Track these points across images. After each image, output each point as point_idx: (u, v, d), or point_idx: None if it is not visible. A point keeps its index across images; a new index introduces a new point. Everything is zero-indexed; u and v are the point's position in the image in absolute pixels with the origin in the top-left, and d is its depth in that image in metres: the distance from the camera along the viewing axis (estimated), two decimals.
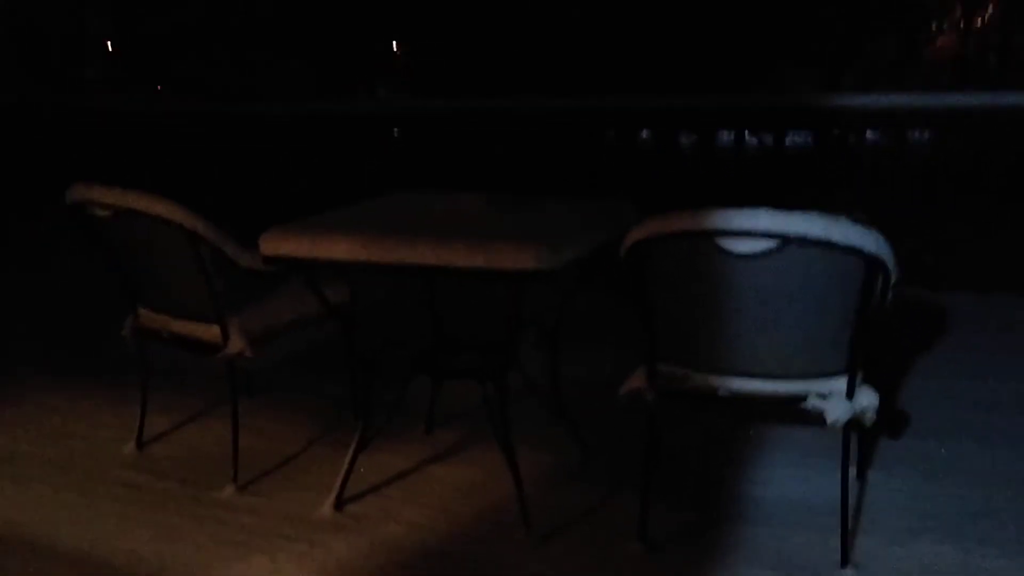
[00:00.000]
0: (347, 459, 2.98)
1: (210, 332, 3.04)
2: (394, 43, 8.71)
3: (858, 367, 2.47)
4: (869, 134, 5.15)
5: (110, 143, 6.54)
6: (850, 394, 2.47)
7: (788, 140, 5.29)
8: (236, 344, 3.01)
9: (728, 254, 2.30)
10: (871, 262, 2.28)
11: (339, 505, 2.94)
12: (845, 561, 2.54)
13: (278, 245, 2.74)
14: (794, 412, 2.51)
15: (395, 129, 6.12)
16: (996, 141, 4.89)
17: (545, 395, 3.21)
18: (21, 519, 2.95)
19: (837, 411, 2.45)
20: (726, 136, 5.41)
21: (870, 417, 2.50)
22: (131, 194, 2.93)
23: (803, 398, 2.50)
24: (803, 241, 2.23)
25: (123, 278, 3.21)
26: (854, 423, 2.50)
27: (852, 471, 2.79)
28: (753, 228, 2.25)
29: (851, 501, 2.66)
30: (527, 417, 3.21)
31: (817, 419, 2.49)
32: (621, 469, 3.07)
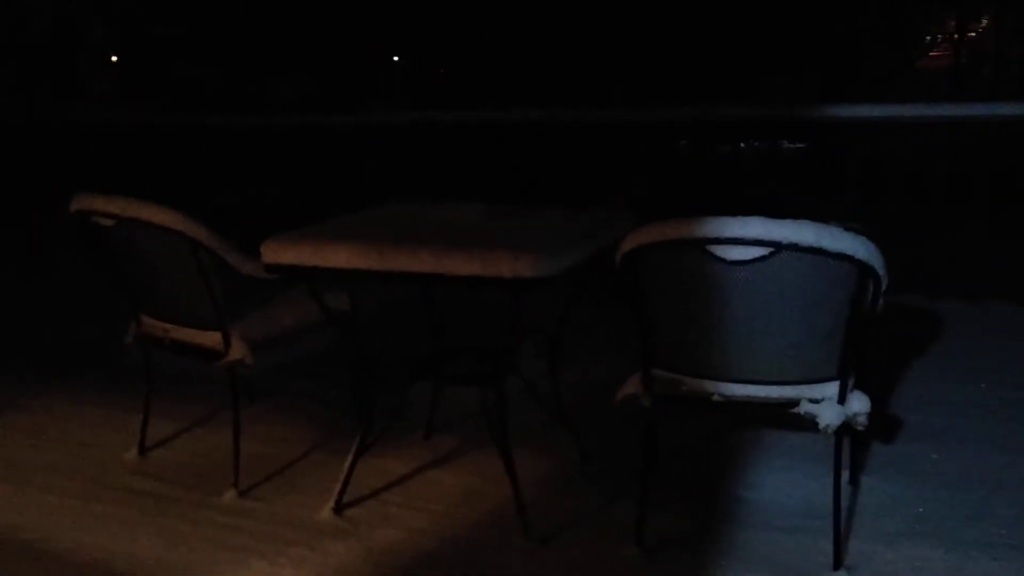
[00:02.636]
0: (347, 464, 3.01)
1: (212, 339, 3.08)
2: (395, 57, 8.79)
3: (850, 372, 2.51)
4: (863, 144, 5.20)
5: (114, 154, 6.58)
6: (842, 399, 2.51)
7: (783, 150, 5.34)
8: (238, 351, 3.05)
9: (721, 261, 2.35)
10: (862, 269, 2.32)
11: (339, 510, 2.97)
12: (837, 564, 2.58)
13: (279, 253, 2.79)
14: (787, 417, 2.55)
15: (394, 140, 6.16)
16: (989, 151, 4.93)
17: (544, 400, 3.25)
18: (23, 523, 2.98)
19: (829, 416, 2.49)
20: (723, 146, 5.46)
21: (862, 421, 2.54)
22: (134, 203, 2.97)
23: (796, 403, 2.54)
24: (795, 248, 2.28)
25: (126, 286, 3.25)
26: (846, 427, 2.54)
27: (844, 475, 2.83)
28: (746, 236, 2.30)
29: (843, 505, 2.69)
30: (526, 422, 3.25)
31: (810, 424, 2.53)
32: (618, 473, 3.11)
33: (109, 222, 3.03)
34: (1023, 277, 4.84)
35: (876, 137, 5.17)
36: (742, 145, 5.51)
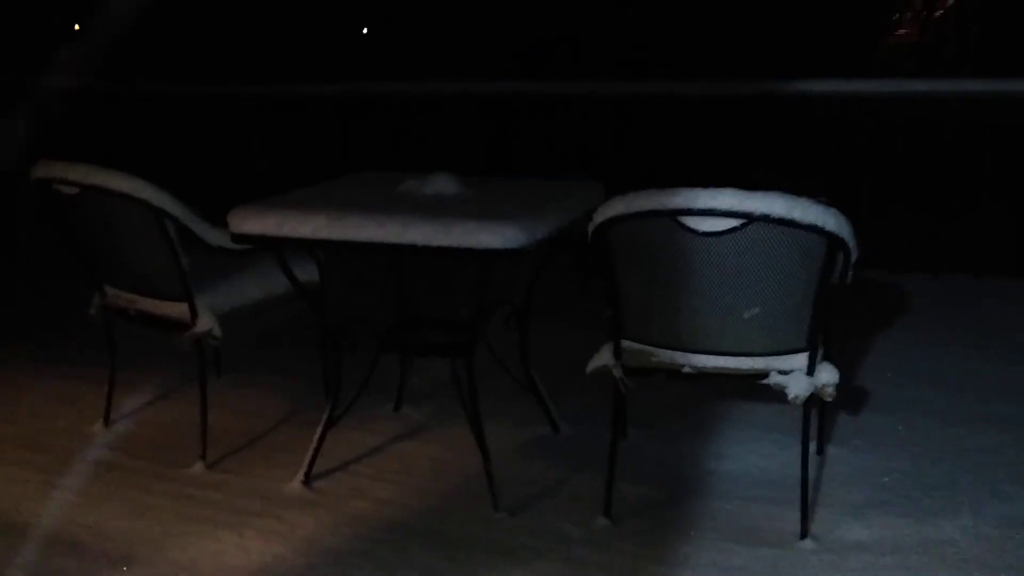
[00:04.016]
0: (316, 436, 3.00)
1: (178, 310, 3.04)
2: (364, 29, 8.68)
3: (819, 344, 2.54)
4: (831, 119, 5.22)
5: (80, 124, 6.46)
6: (811, 370, 2.53)
7: (753, 125, 5.35)
8: (204, 322, 3.01)
9: (693, 233, 2.35)
10: (832, 240, 2.33)
11: (307, 481, 2.96)
12: (804, 533, 2.61)
13: (246, 223, 2.75)
14: (756, 388, 2.57)
15: (365, 111, 6.10)
16: (953, 127, 4.98)
17: (514, 372, 3.25)
18: None
19: (798, 387, 2.52)
20: (693, 121, 5.45)
21: (830, 393, 2.56)
22: (97, 171, 2.92)
23: (765, 374, 2.56)
24: (766, 219, 2.28)
25: (90, 256, 3.20)
26: (814, 399, 2.56)
27: (812, 446, 2.86)
28: (717, 207, 2.30)
29: (811, 475, 2.71)
30: (496, 394, 3.25)
31: (779, 395, 2.55)
32: (588, 444, 3.12)
33: (72, 190, 2.98)
34: (982, 249, 4.91)
35: (844, 112, 5.19)
36: (714, 120, 5.51)
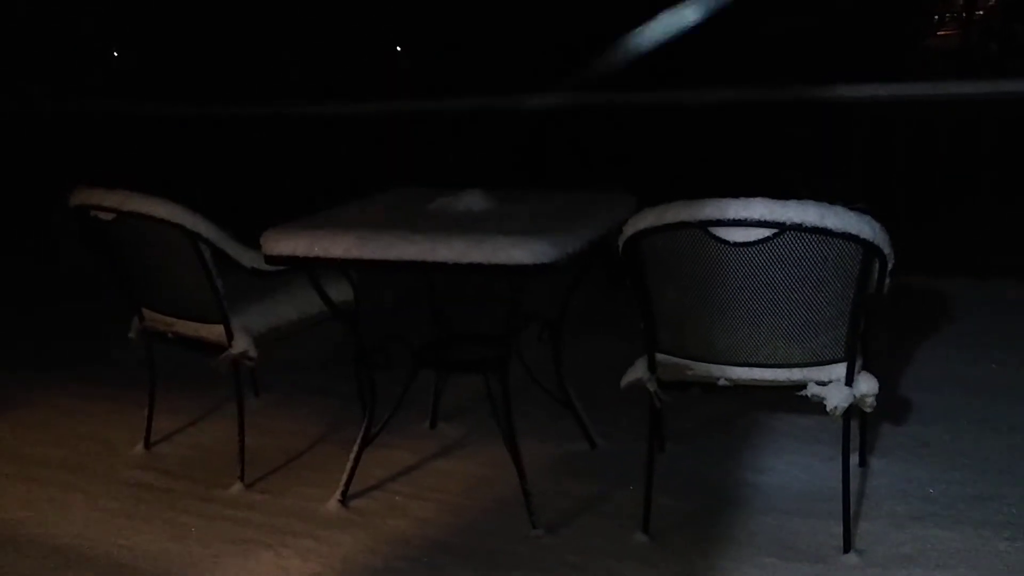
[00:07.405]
0: (352, 455, 3.00)
1: (214, 332, 3.07)
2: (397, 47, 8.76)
3: (857, 354, 2.49)
4: (869, 122, 5.15)
5: (113, 147, 6.57)
6: (849, 381, 2.48)
7: (787, 130, 5.29)
8: (240, 344, 3.04)
9: (725, 243, 2.32)
10: (868, 248, 2.29)
11: (345, 501, 2.96)
12: (848, 547, 2.56)
13: (279, 244, 2.76)
14: (795, 400, 2.53)
15: (394, 128, 6.13)
16: (996, 128, 4.89)
17: (549, 387, 3.23)
18: (30, 519, 2.98)
19: (837, 398, 2.47)
20: (729, 129, 5.41)
21: (870, 403, 2.51)
22: (134, 197, 2.96)
23: (803, 386, 2.52)
24: (799, 228, 2.25)
25: (128, 280, 3.24)
26: (854, 409, 2.52)
27: (853, 457, 2.81)
28: (749, 217, 2.27)
29: (853, 487, 2.67)
30: (532, 410, 3.24)
31: (818, 406, 2.51)
32: (625, 459, 3.08)
33: (109, 216, 3.02)
34: None
35: (882, 116, 5.12)
36: (747, 126, 5.46)
